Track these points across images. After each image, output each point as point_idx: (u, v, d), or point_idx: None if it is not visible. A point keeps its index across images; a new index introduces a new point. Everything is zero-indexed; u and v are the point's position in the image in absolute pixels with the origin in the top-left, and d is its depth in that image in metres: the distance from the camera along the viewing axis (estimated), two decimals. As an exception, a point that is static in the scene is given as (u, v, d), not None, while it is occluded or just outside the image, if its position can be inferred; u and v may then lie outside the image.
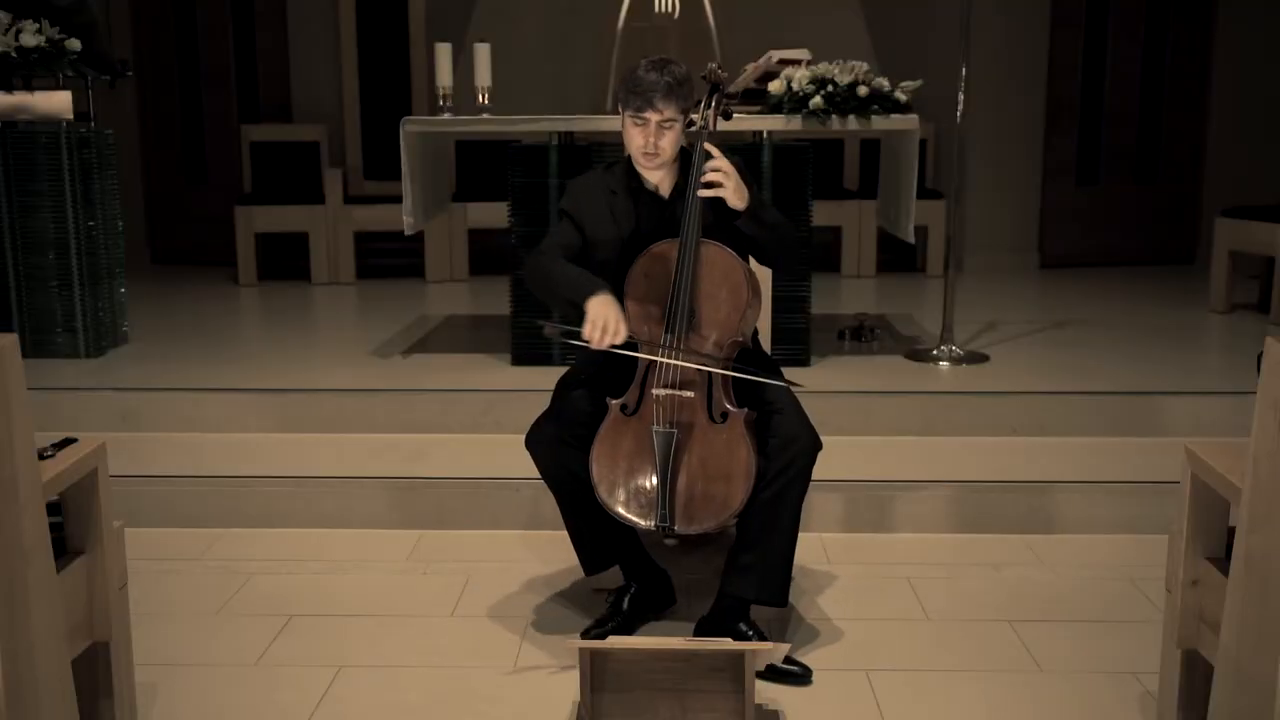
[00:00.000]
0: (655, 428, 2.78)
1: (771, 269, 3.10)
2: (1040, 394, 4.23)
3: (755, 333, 3.09)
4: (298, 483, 3.85)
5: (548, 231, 4.42)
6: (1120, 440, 4.13)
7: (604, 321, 2.71)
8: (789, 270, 3.06)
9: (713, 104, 2.99)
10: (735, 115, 4.35)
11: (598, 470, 2.82)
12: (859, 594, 3.31)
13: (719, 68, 3.04)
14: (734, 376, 2.85)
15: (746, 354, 2.95)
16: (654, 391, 2.82)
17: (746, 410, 2.82)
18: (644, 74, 2.87)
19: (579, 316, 2.76)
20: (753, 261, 3.08)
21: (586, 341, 2.73)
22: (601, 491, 2.81)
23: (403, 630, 3.09)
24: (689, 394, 2.81)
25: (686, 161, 2.95)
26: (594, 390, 2.92)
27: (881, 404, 4.20)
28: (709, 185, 2.82)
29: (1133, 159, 7.51)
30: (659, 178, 2.98)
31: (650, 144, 2.88)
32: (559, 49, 7.33)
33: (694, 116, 2.96)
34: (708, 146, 2.89)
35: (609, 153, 4.49)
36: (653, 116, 2.86)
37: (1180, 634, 2.38)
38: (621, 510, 2.80)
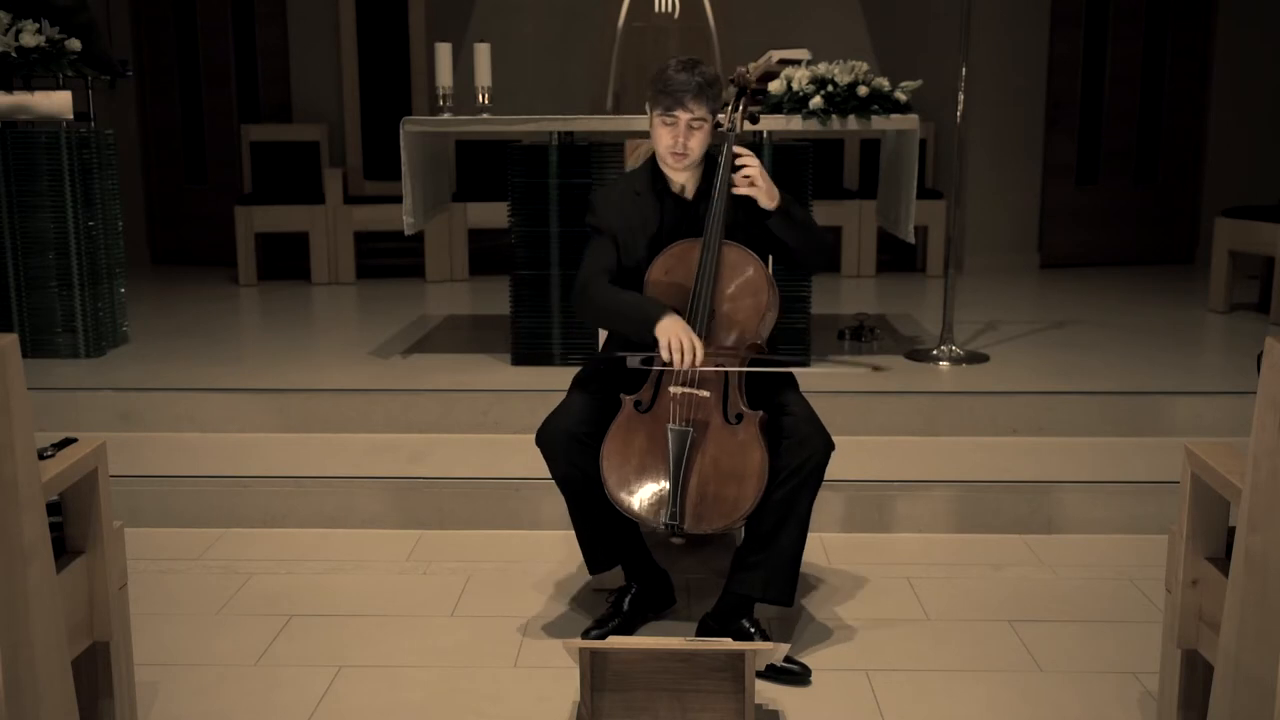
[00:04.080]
0: (671, 426, 2.78)
1: (796, 270, 3.07)
2: (1040, 394, 4.23)
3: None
4: (298, 483, 3.85)
5: (549, 241, 4.47)
6: (1120, 440, 4.13)
7: (679, 342, 2.76)
8: (816, 268, 3.05)
9: (740, 106, 2.99)
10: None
11: (608, 465, 2.81)
12: (859, 594, 3.31)
13: (748, 71, 3.06)
14: (750, 372, 2.86)
15: (764, 357, 2.94)
16: (670, 389, 2.81)
17: (761, 413, 2.82)
18: (674, 74, 2.87)
19: (646, 339, 2.81)
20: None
21: (668, 364, 2.77)
22: (611, 486, 2.81)
23: (403, 630, 3.09)
24: (705, 393, 2.81)
25: (711, 164, 2.95)
26: (606, 388, 2.92)
27: (881, 404, 4.20)
28: (744, 180, 2.84)
29: (1133, 159, 7.51)
30: (684, 179, 2.99)
31: (679, 144, 2.89)
32: (559, 49, 7.33)
33: (720, 119, 2.97)
34: (737, 149, 2.89)
35: (609, 152, 4.49)
36: (683, 116, 2.86)
37: (1180, 634, 2.38)
38: (631, 506, 2.80)
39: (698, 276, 2.84)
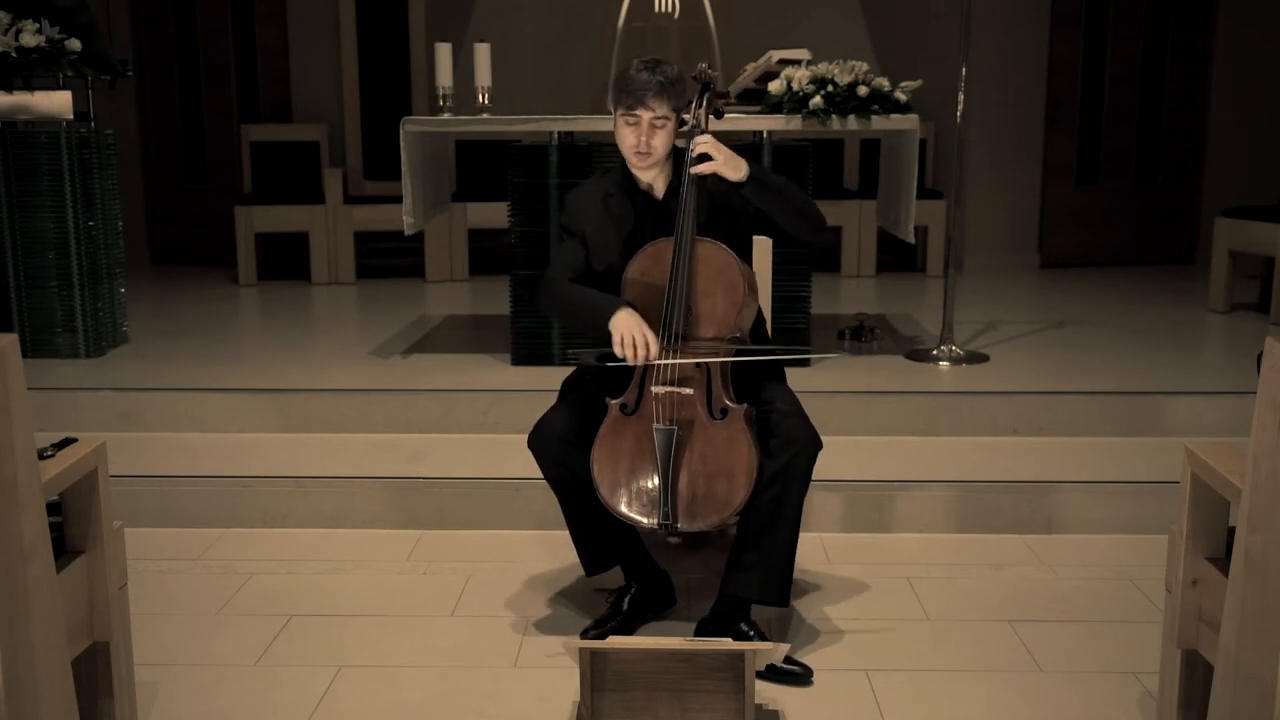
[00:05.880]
0: (655, 425, 2.78)
1: (795, 240, 3.01)
2: (1040, 394, 4.23)
3: (762, 322, 3.09)
4: (298, 483, 3.85)
5: (549, 241, 4.48)
6: (1120, 440, 4.13)
7: (632, 337, 2.76)
8: (814, 235, 2.98)
9: (704, 103, 3.00)
10: (734, 115, 4.39)
11: (599, 470, 2.82)
12: (859, 594, 3.31)
13: (709, 67, 3.06)
14: (734, 363, 2.86)
15: (749, 349, 2.94)
16: (653, 389, 2.82)
17: (746, 406, 2.82)
18: (636, 73, 2.89)
19: (604, 336, 2.80)
20: (755, 259, 3.08)
21: (623, 360, 2.77)
22: (603, 491, 2.82)
23: (403, 630, 3.09)
24: (688, 391, 2.81)
25: (680, 161, 2.96)
26: (596, 390, 2.93)
27: (881, 404, 4.20)
28: (701, 160, 2.83)
29: (1133, 159, 7.51)
30: (652, 177, 2.99)
31: (643, 143, 2.89)
32: (559, 49, 7.33)
33: (686, 116, 2.97)
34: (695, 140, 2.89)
35: (608, 152, 4.49)
36: (645, 115, 2.87)
37: (1180, 634, 2.38)
38: (624, 509, 2.80)
39: (672, 275, 2.84)
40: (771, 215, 2.93)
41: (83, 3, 4.80)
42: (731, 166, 2.85)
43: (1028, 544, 3.68)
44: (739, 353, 2.87)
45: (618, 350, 2.78)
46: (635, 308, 2.88)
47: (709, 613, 2.94)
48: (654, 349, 2.77)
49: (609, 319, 2.80)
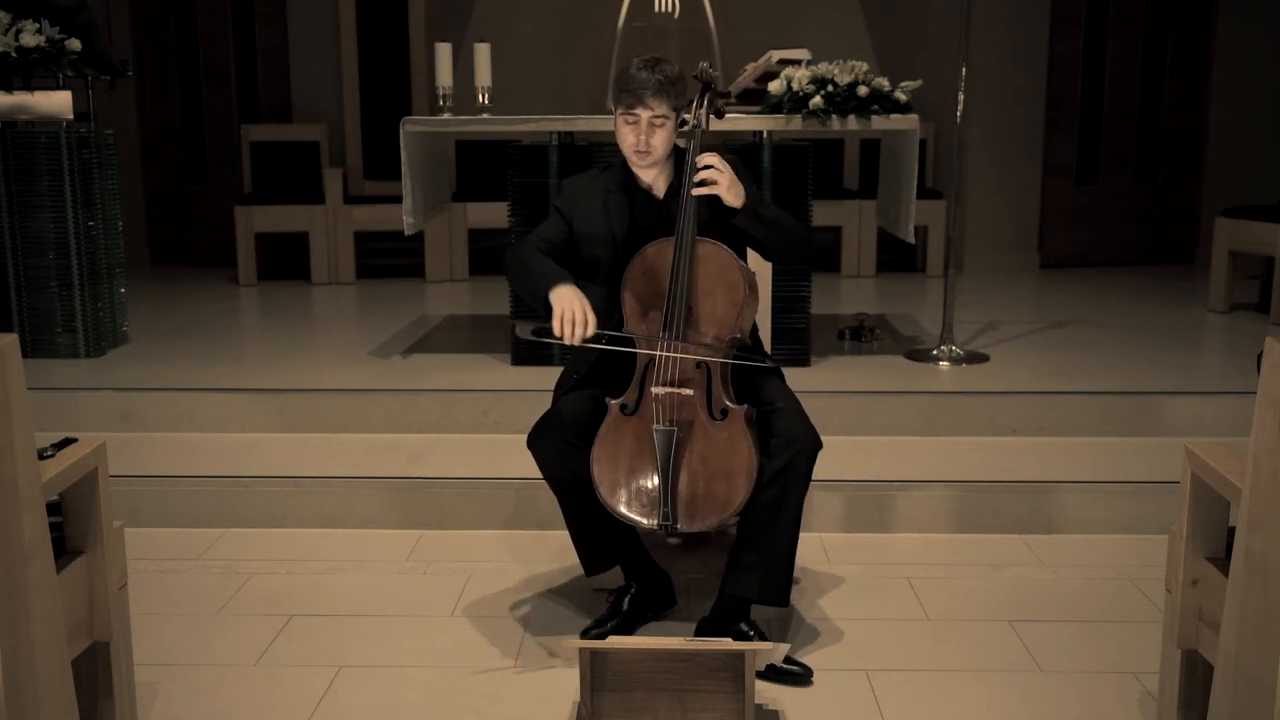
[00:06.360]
0: (655, 426, 2.78)
1: (774, 264, 3.08)
2: (1040, 394, 4.23)
3: (755, 329, 3.09)
4: (298, 483, 3.85)
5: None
6: (1120, 440, 4.13)
7: (569, 313, 2.69)
8: (796, 262, 3.02)
9: (705, 103, 3.00)
10: (734, 115, 4.40)
11: (599, 471, 2.82)
12: (859, 594, 3.31)
13: (710, 67, 3.06)
14: (733, 364, 2.86)
15: (746, 350, 2.95)
16: (653, 390, 2.82)
17: (746, 407, 2.82)
18: (635, 72, 2.89)
19: (546, 308, 2.75)
20: (753, 258, 3.08)
21: (559, 338, 2.71)
22: (603, 492, 2.81)
23: (403, 630, 3.09)
24: (688, 391, 2.81)
25: (681, 161, 2.96)
26: (595, 390, 2.93)
27: (881, 404, 4.20)
28: (703, 184, 2.83)
29: (1132, 159, 7.51)
30: (653, 176, 2.99)
31: (642, 141, 2.89)
32: (559, 49, 7.33)
33: (686, 116, 2.97)
34: (699, 158, 2.88)
35: (608, 152, 4.49)
36: (644, 114, 2.87)
37: (1180, 634, 2.38)
38: (624, 510, 2.80)
39: (672, 275, 2.84)
40: (754, 238, 2.95)
41: (83, 3, 4.80)
42: (734, 194, 2.84)
43: (1028, 544, 3.68)
44: (736, 357, 2.88)
45: (555, 326, 2.70)
46: (636, 305, 2.88)
47: (709, 613, 2.94)
48: (592, 328, 2.71)
49: (550, 290, 2.73)
